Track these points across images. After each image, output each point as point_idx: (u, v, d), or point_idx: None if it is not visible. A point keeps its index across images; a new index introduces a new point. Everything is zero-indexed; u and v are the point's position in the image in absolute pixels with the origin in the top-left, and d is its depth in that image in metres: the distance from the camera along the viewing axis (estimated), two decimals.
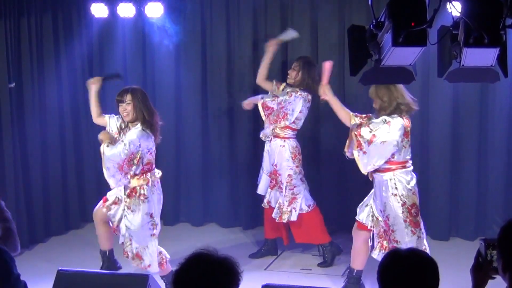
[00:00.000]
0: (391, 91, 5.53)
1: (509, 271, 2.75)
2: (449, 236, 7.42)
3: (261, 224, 7.25)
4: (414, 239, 5.49)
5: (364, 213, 5.78)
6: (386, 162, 5.56)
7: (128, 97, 5.78)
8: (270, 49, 6.80)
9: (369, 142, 5.52)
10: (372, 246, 5.78)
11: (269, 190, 6.75)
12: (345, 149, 5.73)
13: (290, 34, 6.87)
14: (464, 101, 7.22)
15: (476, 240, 7.14)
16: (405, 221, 5.50)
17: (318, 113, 7.56)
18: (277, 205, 6.67)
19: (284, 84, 6.79)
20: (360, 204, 5.87)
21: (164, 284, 5.92)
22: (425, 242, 5.64)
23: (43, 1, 7.41)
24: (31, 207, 7.38)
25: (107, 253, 6.14)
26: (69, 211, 7.94)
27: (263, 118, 6.73)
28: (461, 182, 7.37)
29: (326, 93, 5.88)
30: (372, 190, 5.77)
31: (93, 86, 6.14)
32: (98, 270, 5.87)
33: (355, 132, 5.59)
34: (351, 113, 5.72)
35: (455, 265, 6.01)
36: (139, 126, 5.76)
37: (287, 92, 6.64)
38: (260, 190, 6.87)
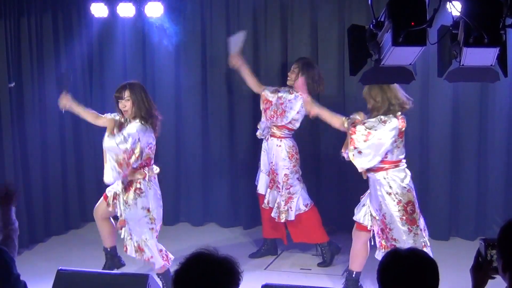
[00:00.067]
0: (384, 91, 5.53)
1: (509, 271, 2.75)
2: (449, 236, 7.42)
3: (261, 223, 7.25)
4: (411, 237, 5.49)
5: (361, 213, 5.78)
6: (381, 161, 5.57)
7: (127, 93, 5.79)
8: (238, 63, 6.79)
9: (365, 140, 5.51)
10: (374, 246, 5.78)
11: (268, 190, 6.76)
12: (342, 150, 5.72)
13: (239, 38, 6.82)
14: (464, 101, 7.22)
15: (476, 240, 7.13)
16: (401, 219, 5.51)
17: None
18: (276, 205, 6.68)
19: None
20: (358, 205, 5.87)
21: (161, 282, 5.92)
22: (425, 238, 5.63)
23: (43, 1, 7.40)
24: (31, 207, 7.38)
25: (110, 249, 6.16)
26: (69, 211, 7.94)
27: (261, 110, 6.71)
28: (461, 182, 7.37)
29: (313, 108, 5.88)
30: (368, 191, 5.77)
31: (67, 103, 6.11)
32: (98, 270, 5.87)
33: (350, 131, 5.58)
34: (344, 117, 5.72)
35: (455, 265, 6.01)
36: (138, 121, 5.76)
37: (288, 90, 6.64)
38: (260, 189, 6.87)
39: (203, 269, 2.60)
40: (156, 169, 5.98)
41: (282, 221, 6.69)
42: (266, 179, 6.80)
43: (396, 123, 5.51)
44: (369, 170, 5.62)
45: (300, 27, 7.46)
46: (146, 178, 5.84)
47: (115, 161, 5.70)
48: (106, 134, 5.80)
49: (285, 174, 6.64)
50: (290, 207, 6.64)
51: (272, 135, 6.71)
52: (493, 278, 2.88)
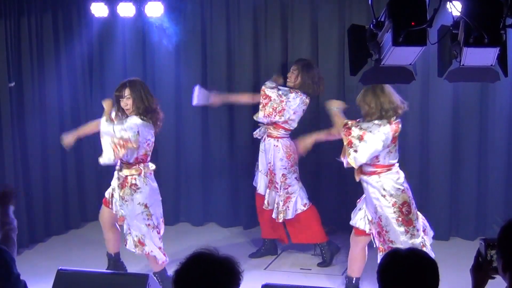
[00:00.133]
0: (378, 96, 5.51)
1: (509, 271, 2.75)
2: (449, 236, 7.42)
3: None
4: (408, 238, 5.49)
5: (358, 217, 5.75)
6: (372, 165, 5.55)
7: (127, 92, 5.80)
8: (220, 101, 6.96)
9: (360, 138, 5.49)
10: (372, 247, 5.77)
11: (267, 190, 6.75)
12: (341, 156, 5.71)
13: (201, 94, 6.90)
14: (464, 101, 7.22)
15: (476, 240, 7.13)
16: (397, 220, 5.50)
17: (318, 113, 7.55)
18: (275, 205, 6.68)
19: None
20: (354, 210, 5.85)
21: (157, 280, 5.92)
22: (424, 239, 5.62)
23: (43, 0, 7.40)
24: (31, 206, 7.38)
25: (114, 255, 6.16)
26: (69, 210, 7.94)
27: (260, 106, 6.69)
28: (461, 182, 7.37)
29: (307, 142, 6.03)
30: (364, 195, 5.76)
31: (70, 141, 6.18)
32: (98, 270, 5.87)
33: (345, 132, 5.56)
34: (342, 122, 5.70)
35: (455, 265, 6.00)
36: (139, 117, 5.78)
37: (289, 89, 6.64)
38: (260, 189, 6.87)
39: (203, 269, 2.59)
40: (151, 166, 5.99)
41: (280, 221, 6.70)
42: (265, 179, 6.80)
43: (388, 129, 5.50)
44: (362, 173, 5.61)
45: (300, 27, 7.46)
46: (142, 174, 5.85)
47: (111, 141, 5.71)
48: (104, 118, 5.83)
49: (282, 174, 6.64)
50: (288, 207, 6.65)
51: (269, 135, 6.71)
52: (493, 278, 2.88)
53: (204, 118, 7.90)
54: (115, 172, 5.99)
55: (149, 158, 5.96)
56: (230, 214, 7.99)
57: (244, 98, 7.04)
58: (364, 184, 5.66)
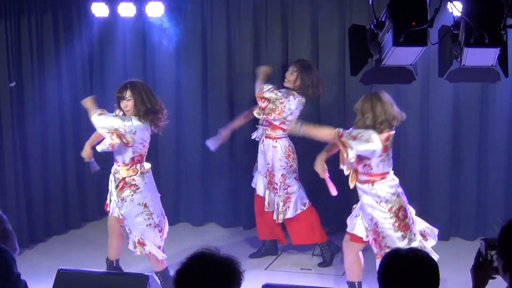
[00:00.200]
0: (374, 107, 5.48)
1: (509, 271, 2.75)
2: (449, 236, 7.42)
3: None
4: (406, 243, 5.45)
5: (355, 223, 5.72)
6: (366, 174, 5.55)
7: (128, 93, 5.80)
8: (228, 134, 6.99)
9: (354, 138, 5.49)
10: (369, 248, 5.76)
11: (267, 191, 6.75)
12: (340, 164, 5.71)
13: (215, 141, 7.00)
14: (465, 101, 7.22)
15: (476, 240, 7.13)
16: (394, 225, 5.49)
17: (318, 113, 7.56)
18: (275, 206, 6.68)
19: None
20: (350, 216, 5.83)
21: (159, 281, 5.92)
22: (422, 243, 5.60)
23: (43, 0, 7.40)
24: (31, 206, 7.38)
25: (114, 263, 6.15)
26: (69, 210, 7.93)
27: (259, 108, 6.68)
28: (461, 182, 7.37)
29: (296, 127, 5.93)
30: (360, 202, 5.75)
31: (88, 151, 6.09)
32: (98, 270, 5.87)
33: (337, 138, 5.55)
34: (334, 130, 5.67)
35: (455, 265, 6.01)
36: (138, 118, 5.79)
37: (287, 90, 6.64)
38: (259, 191, 6.87)
39: (204, 269, 2.59)
40: (147, 165, 5.99)
41: (280, 221, 6.70)
42: (264, 181, 6.79)
43: (377, 138, 5.47)
44: (357, 181, 5.62)
45: (301, 27, 7.46)
46: (138, 174, 5.85)
47: (108, 131, 5.73)
48: (95, 113, 5.87)
49: (282, 175, 6.64)
50: (288, 207, 6.66)
51: (267, 137, 6.71)
52: (494, 278, 2.88)
53: (204, 118, 7.90)
54: (111, 176, 5.99)
55: (144, 159, 5.96)
56: (230, 214, 7.98)
57: (246, 118, 7.02)
58: (359, 192, 5.66)
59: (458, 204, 7.42)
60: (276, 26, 7.53)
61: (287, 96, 6.60)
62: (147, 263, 6.23)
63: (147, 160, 6.09)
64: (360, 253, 5.82)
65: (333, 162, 5.82)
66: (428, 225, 5.80)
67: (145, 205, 5.87)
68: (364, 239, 5.68)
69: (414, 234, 5.53)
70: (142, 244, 5.87)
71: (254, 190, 6.96)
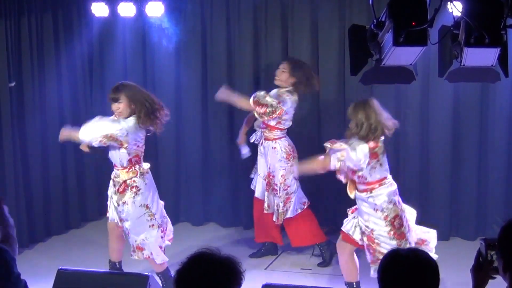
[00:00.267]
0: (368, 117, 5.48)
1: (509, 271, 2.75)
2: (449, 236, 7.42)
3: None
4: None
5: (351, 224, 5.72)
6: (363, 184, 5.55)
7: (119, 95, 5.80)
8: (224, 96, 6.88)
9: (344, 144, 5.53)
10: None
11: (266, 193, 6.75)
12: (337, 174, 5.71)
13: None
14: (465, 101, 7.22)
15: (476, 240, 7.13)
16: (389, 234, 5.49)
17: (319, 113, 7.56)
18: (275, 208, 6.68)
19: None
20: (346, 219, 5.82)
21: (160, 281, 5.92)
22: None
23: (43, 0, 7.40)
24: (31, 206, 7.38)
25: (117, 264, 6.15)
26: (69, 210, 7.93)
27: (257, 115, 6.68)
28: (461, 182, 7.37)
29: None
30: (356, 206, 5.76)
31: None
32: (99, 270, 5.87)
33: (331, 149, 5.59)
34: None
35: (455, 265, 6.01)
36: (131, 119, 5.79)
37: (280, 90, 6.63)
38: (258, 193, 6.86)
39: (204, 269, 2.59)
40: (146, 165, 6.00)
41: (281, 222, 6.69)
42: (263, 183, 6.78)
43: (366, 148, 5.48)
44: (357, 190, 5.63)
45: (301, 27, 7.45)
46: (138, 175, 5.85)
47: (103, 137, 5.73)
48: (80, 131, 5.84)
49: (282, 175, 6.64)
50: (289, 207, 6.66)
51: (266, 139, 6.70)
52: (494, 278, 2.88)
53: (204, 118, 7.90)
54: (111, 181, 5.99)
55: (141, 159, 5.96)
56: (230, 214, 7.98)
57: (250, 123, 6.98)
58: (357, 200, 5.66)
59: (458, 204, 7.42)
60: (276, 26, 7.53)
61: (280, 97, 6.58)
62: (147, 263, 6.23)
63: (147, 160, 6.09)
64: (354, 254, 5.81)
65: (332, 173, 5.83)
66: (426, 229, 5.79)
67: (147, 206, 5.87)
68: (359, 242, 5.67)
69: (410, 243, 5.53)
70: (141, 249, 5.86)
71: (253, 192, 6.95)
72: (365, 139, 5.49)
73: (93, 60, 8.06)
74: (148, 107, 5.80)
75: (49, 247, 7.48)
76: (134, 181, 5.84)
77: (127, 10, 7.29)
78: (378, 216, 5.50)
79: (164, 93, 7.87)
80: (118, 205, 5.86)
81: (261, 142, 6.77)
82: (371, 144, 5.49)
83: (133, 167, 5.84)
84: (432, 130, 7.31)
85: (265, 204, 6.73)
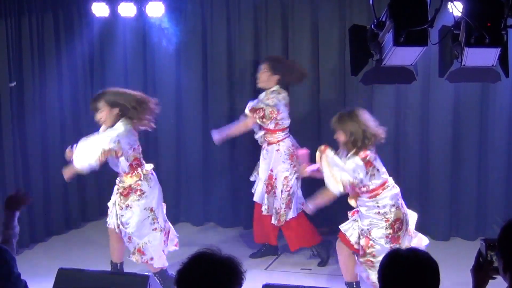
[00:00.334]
0: (358, 123, 5.50)
1: (509, 271, 2.75)
2: (450, 236, 7.42)
3: None
4: None
5: (349, 225, 5.71)
6: (365, 193, 5.55)
7: (99, 105, 5.78)
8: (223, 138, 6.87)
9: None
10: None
11: (266, 196, 6.74)
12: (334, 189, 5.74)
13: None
14: (465, 101, 7.22)
15: (476, 240, 7.13)
16: (386, 237, 5.48)
17: (319, 113, 7.56)
18: (274, 211, 6.67)
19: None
20: (348, 222, 5.82)
21: (158, 281, 5.92)
22: None
23: (43, 0, 7.40)
24: (31, 206, 7.36)
25: (118, 265, 6.15)
26: (69, 210, 7.93)
27: (259, 121, 6.68)
28: (461, 182, 7.37)
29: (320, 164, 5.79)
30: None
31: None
32: (99, 270, 5.87)
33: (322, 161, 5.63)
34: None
35: (456, 265, 6.00)
36: (119, 124, 5.75)
37: (266, 93, 6.62)
38: (256, 197, 6.86)
39: (205, 269, 2.60)
40: (149, 166, 5.99)
41: (282, 223, 6.69)
42: (263, 188, 6.77)
43: (358, 160, 5.49)
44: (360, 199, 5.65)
45: (301, 27, 7.45)
46: (142, 178, 5.84)
47: (100, 153, 5.70)
48: (75, 152, 5.83)
49: (285, 177, 6.64)
50: (289, 208, 6.66)
51: (270, 143, 6.70)
52: (494, 278, 2.88)
53: (204, 118, 7.89)
54: (115, 187, 5.97)
55: (142, 161, 5.95)
56: (230, 214, 7.98)
57: (240, 129, 6.87)
58: (362, 208, 5.66)
59: (458, 204, 7.42)
60: (276, 26, 7.53)
61: (269, 99, 6.58)
62: None
63: (147, 161, 6.09)
64: (352, 254, 5.81)
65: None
66: (420, 237, 5.77)
67: (151, 209, 5.86)
68: (354, 245, 5.65)
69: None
70: (141, 252, 5.86)
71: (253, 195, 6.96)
72: (357, 149, 5.50)
73: (93, 60, 8.06)
74: (132, 108, 5.76)
75: (49, 247, 7.48)
76: (138, 184, 5.83)
77: (127, 10, 7.29)
78: (380, 218, 5.50)
79: (164, 93, 7.88)
80: (122, 208, 5.85)
81: (263, 147, 6.76)
82: (362, 154, 5.50)
83: (135, 171, 5.83)
84: (432, 130, 7.31)
85: (265, 206, 6.73)
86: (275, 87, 6.64)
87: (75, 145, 5.90)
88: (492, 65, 3.97)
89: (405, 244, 5.57)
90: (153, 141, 8.10)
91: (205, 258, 2.62)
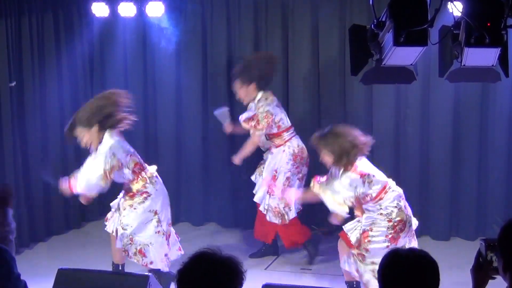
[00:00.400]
0: (340, 142, 5.51)
1: (509, 271, 2.74)
2: (450, 236, 7.42)
3: None
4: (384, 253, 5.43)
5: (351, 226, 5.71)
6: (371, 201, 5.55)
7: (77, 132, 5.76)
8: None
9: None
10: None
11: (267, 196, 6.75)
12: (333, 221, 5.75)
13: (224, 113, 6.94)
14: (465, 101, 7.22)
15: (476, 240, 7.13)
16: (386, 236, 5.49)
17: (319, 113, 7.56)
18: (270, 208, 6.66)
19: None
20: (352, 222, 5.83)
21: (154, 277, 5.91)
22: None
23: (43, 0, 7.41)
24: (31, 206, 7.38)
25: (120, 266, 6.14)
26: (69, 210, 7.93)
27: (260, 129, 6.68)
28: (461, 182, 7.37)
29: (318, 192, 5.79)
30: None
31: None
32: (99, 269, 5.86)
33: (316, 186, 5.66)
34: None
35: (456, 265, 6.01)
36: (106, 138, 5.73)
37: (256, 104, 6.63)
38: (257, 198, 6.86)
39: (206, 268, 2.59)
40: (152, 168, 5.97)
41: (287, 222, 6.69)
42: (264, 191, 6.78)
43: (350, 175, 5.51)
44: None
45: (301, 27, 7.45)
46: (148, 181, 5.84)
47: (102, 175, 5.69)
48: (78, 179, 5.80)
49: (287, 178, 6.65)
50: (290, 209, 6.67)
51: (278, 145, 6.71)
52: (494, 278, 2.88)
53: (204, 118, 7.90)
54: (121, 194, 5.96)
55: (143, 164, 5.94)
56: (230, 214, 7.98)
57: (250, 148, 6.84)
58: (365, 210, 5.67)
59: (458, 204, 7.42)
60: (276, 26, 7.53)
61: (258, 109, 6.58)
62: None
63: (147, 161, 6.08)
64: None
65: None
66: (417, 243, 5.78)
67: (156, 212, 5.86)
68: (355, 246, 5.66)
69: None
70: (143, 254, 5.85)
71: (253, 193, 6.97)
72: (346, 164, 5.51)
73: (93, 60, 8.07)
74: (107, 117, 5.70)
75: (50, 247, 7.48)
76: (145, 186, 5.83)
77: (127, 10, 7.30)
78: (383, 219, 5.50)
79: (164, 93, 7.89)
80: (124, 209, 5.84)
81: (270, 149, 6.77)
82: (352, 168, 5.52)
83: (139, 176, 5.83)
84: (432, 130, 7.31)
85: (264, 205, 6.73)
86: (259, 95, 6.64)
87: (69, 176, 5.88)
88: (492, 65, 3.97)
89: (403, 245, 5.57)
90: (153, 141, 8.10)
91: (205, 257, 2.62)
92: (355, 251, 5.57)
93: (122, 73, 7.96)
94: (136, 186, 5.82)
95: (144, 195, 5.81)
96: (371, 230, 5.52)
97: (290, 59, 7.47)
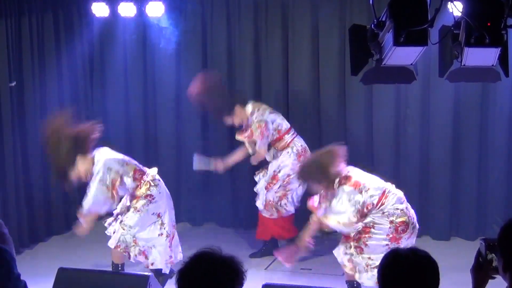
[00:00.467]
0: (322, 171, 5.55)
1: (509, 270, 2.74)
2: (450, 236, 7.42)
3: None
4: (383, 251, 5.43)
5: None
6: (375, 207, 5.54)
7: (72, 175, 5.79)
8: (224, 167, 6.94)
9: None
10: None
11: (264, 191, 6.76)
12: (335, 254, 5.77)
13: (201, 162, 6.99)
14: (465, 101, 7.22)
15: (476, 240, 7.12)
16: (387, 235, 5.49)
17: (319, 113, 7.56)
18: (265, 202, 6.70)
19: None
20: None
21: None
22: None
23: (43, 0, 7.41)
24: (32, 206, 7.38)
25: (120, 266, 6.14)
26: (69, 210, 7.91)
27: (260, 135, 6.71)
28: (461, 182, 7.37)
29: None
30: None
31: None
32: (99, 269, 5.87)
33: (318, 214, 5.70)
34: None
35: (456, 265, 6.00)
36: (97, 156, 5.77)
37: (253, 119, 6.69)
38: (259, 204, 6.87)
39: (206, 268, 2.59)
40: (152, 171, 5.98)
41: (276, 217, 6.73)
42: (265, 193, 6.80)
43: (346, 189, 5.53)
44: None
45: (301, 27, 7.45)
46: (152, 184, 5.85)
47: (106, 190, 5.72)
48: (87, 210, 5.86)
49: (288, 175, 6.67)
50: (286, 204, 6.74)
51: (282, 148, 6.73)
52: (494, 278, 2.88)
53: (204, 118, 7.89)
54: (123, 199, 5.98)
55: (143, 168, 5.96)
56: (230, 214, 7.98)
57: (241, 153, 6.97)
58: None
59: (458, 204, 7.42)
60: (276, 26, 7.53)
61: (254, 121, 6.63)
62: None
63: (148, 161, 6.08)
64: None
65: None
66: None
67: (159, 215, 5.87)
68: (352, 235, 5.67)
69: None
70: (145, 256, 5.86)
71: (254, 193, 6.97)
72: (333, 181, 5.57)
73: (93, 60, 8.06)
74: (80, 145, 5.73)
75: (50, 246, 7.48)
76: (149, 189, 5.85)
77: (127, 10, 7.30)
78: (384, 219, 5.50)
79: (164, 93, 7.89)
80: (128, 210, 5.85)
81: (278, 155, 6.82)
82: (343, 181, 5.55)
83: (141, 181, 5.84)
84: (432, 130, 7.31)
85: (261, 201, 6.77)
86: (249, 108, 6.70)
87: (77, 221, 6.01)
88: (492, 65, 3.97)
89: (405, 246, 5.57)
90: (153, 141, 8.10)
91: (206, 257, 2.62)
92: (354, 243, 5.58)
93: (122, 73, 7.95)
94: (140, 192, 5.84)
95: (149, 198, 5.83)
96: (373, 228, 5.53)
97: (290, 59, 7.47)
